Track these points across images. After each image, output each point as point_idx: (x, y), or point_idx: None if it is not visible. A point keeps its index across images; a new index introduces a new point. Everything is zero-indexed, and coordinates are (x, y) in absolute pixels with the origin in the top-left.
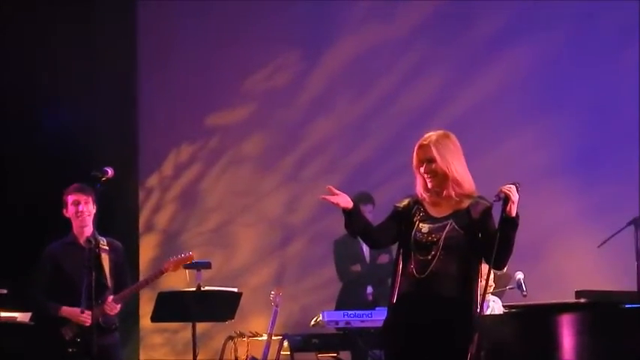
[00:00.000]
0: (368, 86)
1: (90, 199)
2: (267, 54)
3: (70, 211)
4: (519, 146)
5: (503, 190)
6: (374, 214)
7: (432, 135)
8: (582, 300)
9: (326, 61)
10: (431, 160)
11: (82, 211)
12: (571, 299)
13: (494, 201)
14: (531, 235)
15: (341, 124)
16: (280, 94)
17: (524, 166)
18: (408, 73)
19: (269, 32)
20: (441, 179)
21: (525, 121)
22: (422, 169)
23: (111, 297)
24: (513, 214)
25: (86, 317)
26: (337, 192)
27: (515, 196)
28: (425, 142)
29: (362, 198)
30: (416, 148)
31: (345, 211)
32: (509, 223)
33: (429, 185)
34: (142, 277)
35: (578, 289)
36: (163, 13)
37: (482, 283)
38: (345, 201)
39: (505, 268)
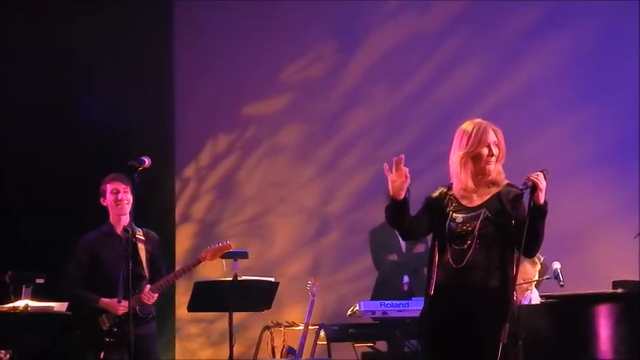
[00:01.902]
0: (404, 77)
1: (128, 188)
2: (304, 44)
3: (108, 200)
4: (556, 138)
5: (531, 177)
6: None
7: (481, 120)
8: (619, 290)
9: (362, 52)
10: (496, 144)
11: (122, 199)
12: (608, 289)
13: (522, 189)
14: (569, 225)
15: (377, 115)
16: (317, 84)
17: (562, 158)
18: (443, 65)
19: (306, 22)
20: (499, 164)
21: (562, 113)
22: (491, 151)
23: (148, 286)
24: (541, 201)
25: (124, 307)
26: (404, 170)
27: (542, 183)
28: (493, 126)
29: None
30: (482, 130)
31: (395, 200)
32: (538, 211)
33: (489, 169)
34: (178, 268)
35: (616, 280)
36: (200, 3)
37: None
38: (400, 188)
39: (542, 258)
